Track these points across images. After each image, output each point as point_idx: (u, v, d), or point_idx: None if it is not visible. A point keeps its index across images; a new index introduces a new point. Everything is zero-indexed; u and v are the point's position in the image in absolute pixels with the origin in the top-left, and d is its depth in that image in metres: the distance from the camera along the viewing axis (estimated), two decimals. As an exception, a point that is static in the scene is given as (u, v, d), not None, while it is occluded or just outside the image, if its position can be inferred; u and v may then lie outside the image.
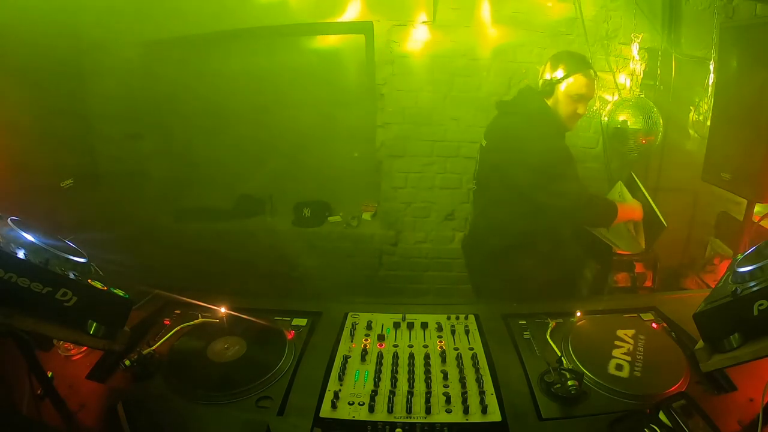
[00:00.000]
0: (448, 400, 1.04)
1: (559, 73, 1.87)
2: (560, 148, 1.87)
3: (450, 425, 0.98)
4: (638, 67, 2.72)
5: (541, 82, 1.92)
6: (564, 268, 2.07)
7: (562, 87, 1.87)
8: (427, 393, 1.06)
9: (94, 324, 0.92)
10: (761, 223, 2.20)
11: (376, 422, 0.98)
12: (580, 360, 1.17)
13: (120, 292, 0.96)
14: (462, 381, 1.10)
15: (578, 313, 1.37)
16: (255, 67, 3.18)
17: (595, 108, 2.93)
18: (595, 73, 1.90)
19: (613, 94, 2.90)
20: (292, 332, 1.31)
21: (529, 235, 1.90)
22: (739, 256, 1.01)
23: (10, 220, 0.93)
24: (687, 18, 2.79)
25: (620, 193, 2.13)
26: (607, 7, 2.82)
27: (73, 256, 0.94)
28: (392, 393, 1.05)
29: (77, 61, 2.90)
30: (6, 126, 2.31)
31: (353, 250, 3.33)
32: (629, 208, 2.00)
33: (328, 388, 1.08)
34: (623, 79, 2.88)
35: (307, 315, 1.40)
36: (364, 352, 1.21)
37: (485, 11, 2.85)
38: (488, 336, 1.29)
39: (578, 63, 1.87)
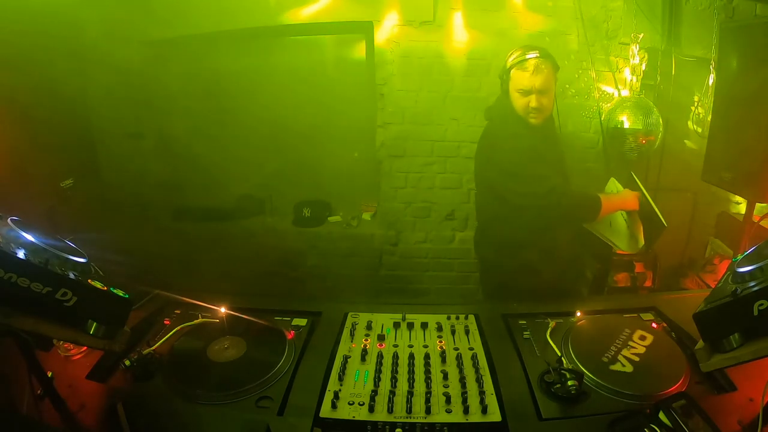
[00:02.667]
0: (448, 400, 1.04)
1: (504, 67, 1.86)
2: (525, 148, 1.81)
3: (450, 425, 0.98)
4: (638, 67, 2.72)
5: None
6: (560, 268, 2.02)
7: (509, 83, 1.85)
8: (427, 393, 1.06)
9: (94, 324, 0.92)
10: (761, 223, 2.20)
11: (376, 422, 0.98)
12: (580, 360, 1.17)
13: (120, 292, 0.96)
14: (462, 381, 1.10)
15: (578, 313, 1.37)
16: (255, 67, 3.18)
17: (594, 108, 2.93)
18: (540, 61, 1.78)
19: (613, 95, 2.90)
20: (292, 332, 1.31)
21: (520, 235, 1.88)
22: (739, 256, 1.01)
23: (10, 220, 0.92)
24: (687, 18, 2.79)
25: (617, 189, 2.12)
26: (607, 7, 2.82)
27: (73, 256, 0.94)
28: (392, 393, 1.05)
29: (77, 61, 2.90)
30: (6, 126, 2.31)
31: (353, 250, 3.33)
32: (619, 198, 1.91)
33: (328, 388, 1.08)
34: (623, 79, 2.88)
35: (307, 315, 1.40)
36: (364, 352, 1.21)
37: (485, 11, 2.85)
38: (488, 336, 1.29)
39: (517, 55, 1.82)
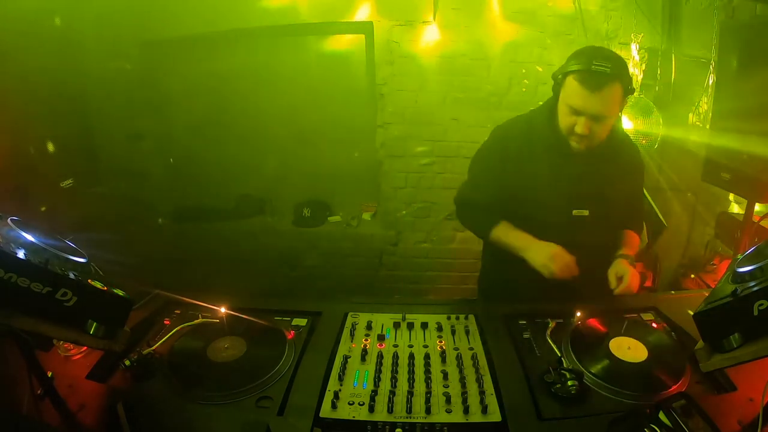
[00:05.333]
0: (448, 400, 1.04)
1: (562, 67, 1.43)
2: (486, 148, 1.64)
3: (450, 425, 0.98)
4: (638, 67, 2.72)
5: None
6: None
7: (561, 89, 1.45)
8: (427, 393, 1.05)
9: (94, 324, 0.92)
10: (761, 223, 2.20)
11: (376, 422, 0.98)
12: (580, 360, 1.17)
13: (120, 292, 0.96)
14: (462, 381, 1.10)
15: (578, 313, 1.37)
16: (255, 67, 3.18)
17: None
18: (608, 78, 1.33)
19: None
20: (292, 332, 1.31)
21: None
22: (739, 256, 1.01)
23: (10, 220, 0.92)
24: (687, 18, 2.80)
25: None
26: (607, 7, 2.82)
27: (73, 256, 0.94)
28: (392, 393, 1.05)
29: (77, 61, 2.90)
30: (6, 126, 2.31)
31: (353, 250, 3.34)
32: (519, 239, 1.51)
33: (328, 388, 1.07)
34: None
35: (307, 315, 1.40)
36: (364, 352, 1.20)
37: (485, 11, 2.85)
38: (488, 336, 1.28)
39: (581, 60, 1.36)
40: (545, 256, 1.43)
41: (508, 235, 1.55)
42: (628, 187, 1.64)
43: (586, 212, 1.55)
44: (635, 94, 2.70)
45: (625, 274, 1.47)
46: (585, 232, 1.54)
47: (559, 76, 1.43)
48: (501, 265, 1.69)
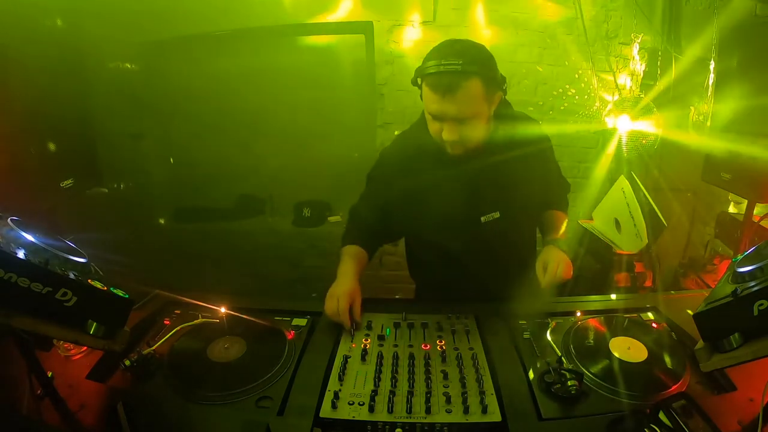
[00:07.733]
0: (448, 400, 1.04)
1: (418, 72, 1.27)
2: (374, 173, 1.65)
3: (450, 425, 0.98)
4: (638, 67, 2.72)
5: None
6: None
7: (421, 93, 1.30)
8: (427, 393, 1.05)
9: (94, 324, 0.92)
10: (761, 223, 2.20)
11: (376, 422, 0.98)
12: (580, 360, 1.17)
13: (120, 292, 0.96)
14: (462, 381, 1.10)
15: (578, 313, 1.37)
16: (255, 67, 3.18)
17: (594, 108, 2.93)
18: (460, 77, 1.17)
19: (613, 94, 2.90)
20: (292, 332, 1.31)
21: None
22: (739, 256, 1.01)
23: (10, 220, 0.93)
24: (687, 18, 2.80)
25: (623, 188, 2.11)
26: (607, 7, 2.83)
27: (73, 256, 0.94)
28: (392, 393, 1.05)
29: (78, 60, 2.90)
30: (6, 126, 2.31)
31: (353, 250, 3.33)
32: (340, 267, 1.54)
33: (328, 388, 1.07)
34: (623, 79, 2.88)
35: (307, 315, 1.40)
36: (364, 352, 1.21)
37: (485, 11, 2.86)
38: (488, 336, 1.29)
39: (431, 62, 1.20)
40: (332, 291, 1.41)
41: (342, 258, 1.58)
42: (539, 170, 1.52)
43: (496, 214, 1.45)
44: (636, 93, 2.73)
45: (549, 263, 1.38)
46: (500, 233, 1.47)
47: (418, 81, 1.27)
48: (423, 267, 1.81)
